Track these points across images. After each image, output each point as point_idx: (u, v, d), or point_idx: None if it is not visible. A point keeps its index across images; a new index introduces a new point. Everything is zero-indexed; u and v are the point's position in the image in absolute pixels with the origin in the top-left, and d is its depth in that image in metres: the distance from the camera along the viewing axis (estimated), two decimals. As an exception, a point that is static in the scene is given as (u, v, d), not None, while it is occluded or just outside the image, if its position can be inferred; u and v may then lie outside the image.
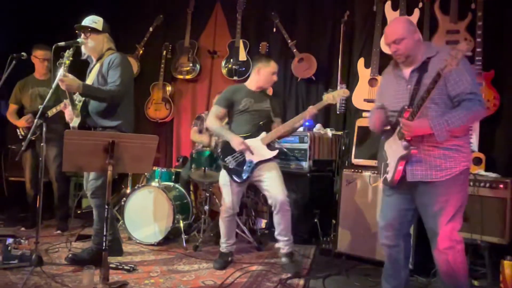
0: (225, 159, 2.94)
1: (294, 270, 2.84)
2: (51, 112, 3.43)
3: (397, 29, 2.09)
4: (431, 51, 2.08)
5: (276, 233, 2.96)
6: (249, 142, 2.89)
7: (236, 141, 2.87)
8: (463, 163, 2.02)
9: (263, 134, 2.93)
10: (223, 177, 3.00)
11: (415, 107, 1.98)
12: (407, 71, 2.13)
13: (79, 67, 2.98)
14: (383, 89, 2.31)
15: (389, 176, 2.15)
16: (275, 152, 2.94)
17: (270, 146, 2.95)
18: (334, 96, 2.86)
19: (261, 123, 2.97)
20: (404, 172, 2.08)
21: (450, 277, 2.04)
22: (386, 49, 3.78)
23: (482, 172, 3.05)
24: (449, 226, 2.00)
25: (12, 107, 3.92)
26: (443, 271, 2.06)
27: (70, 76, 2.64)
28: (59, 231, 3.78)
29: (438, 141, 1.99)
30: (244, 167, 2.90)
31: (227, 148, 2.94)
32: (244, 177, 2.90)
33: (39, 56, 3.84)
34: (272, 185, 2.88)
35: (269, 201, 2.93)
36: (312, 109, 2.89)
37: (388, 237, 2.24)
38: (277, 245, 2.99)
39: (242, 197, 3.19)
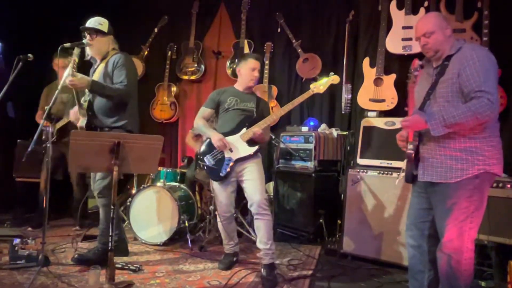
0: (204, 158, 2.89)
1: (270, 286, 2.63)
2: (58, 125, 3.51)
3: (428, 22, 2.05)
4: (456, 47, 2.02)
5: (257, 241, 2.80)
6: (229, 139, 2.83)
7: (215, 137, 2.82)
8: (477, 166, 1.93)
9: (243, 130, 2.85)
10: (212, 181, 2.95)
11: (421, 104, 1.98)
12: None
13: (82, 68, 3.00)
14: (418, 87, 2.21)
15: (403, 174, 2.17)
16: (254, 149, 2.83)
17: (250, 142, 2.84)
18: (322, 84, 2.76)
19: (242, 119, 2.88)
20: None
21: (450, 281, 2.00)
22: (391, 48, 3.78)
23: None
24: (456, 230, 1.95)
25: (40, 112, 4.08)
26: (443, 273, 2.01)
27: (79, 75, 2.68)
28: (77, 227, 3.93)
29: (451, 142, 1.96)
30: (223, 165, 2.83)
31: (207, 148, 2.91)
32: (222, 175, 2.82)
33: (60, 65, 3.92)
34: (250, 186, 2.80)
35: (248, 204, 2.81)
36: (295, 101, 2.77)
37: (411, 236, 2.20)
38: (258, 254, 2.81)
39: (238, 198, 3.09)
